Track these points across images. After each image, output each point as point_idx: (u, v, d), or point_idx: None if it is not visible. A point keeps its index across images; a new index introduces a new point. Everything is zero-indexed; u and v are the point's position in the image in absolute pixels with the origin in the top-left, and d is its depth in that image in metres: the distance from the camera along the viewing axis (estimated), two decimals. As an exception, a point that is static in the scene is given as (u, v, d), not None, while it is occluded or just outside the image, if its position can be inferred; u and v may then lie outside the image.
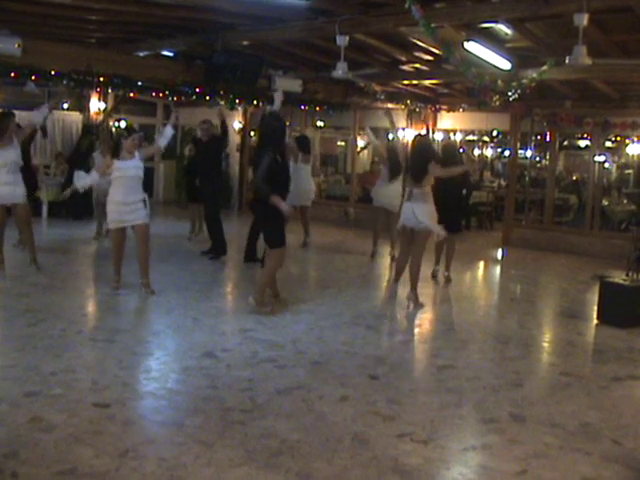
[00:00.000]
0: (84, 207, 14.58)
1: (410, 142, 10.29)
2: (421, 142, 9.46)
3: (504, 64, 11.63)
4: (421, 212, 8.98)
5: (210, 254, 11.71)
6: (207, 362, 6.35)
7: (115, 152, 8.83)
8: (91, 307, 8.37)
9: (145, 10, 11.04)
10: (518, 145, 16.57)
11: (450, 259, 10.94)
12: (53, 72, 13.07)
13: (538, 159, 20.70)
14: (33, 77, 13.05)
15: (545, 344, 8.14)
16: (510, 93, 12.31)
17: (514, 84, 12.08)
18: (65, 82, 13.57)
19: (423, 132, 16.66)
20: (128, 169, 8.71)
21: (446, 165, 9.60)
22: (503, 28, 10.65)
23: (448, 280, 10.86)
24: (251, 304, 8.29)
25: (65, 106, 18.03)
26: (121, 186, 8.72)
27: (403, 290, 9.55)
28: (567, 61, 9.10)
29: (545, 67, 11.37)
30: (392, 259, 12.35)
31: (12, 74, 12.71)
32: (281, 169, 8.20)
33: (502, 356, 7.22)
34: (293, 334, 7.42)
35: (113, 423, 4.89)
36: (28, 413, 4.97)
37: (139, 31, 13.64)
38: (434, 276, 10.93)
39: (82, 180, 8.89)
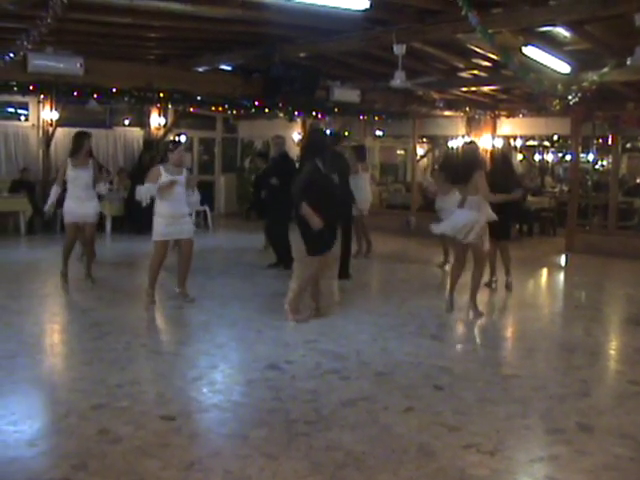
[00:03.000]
0: (146, 221, 14.71)
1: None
2: (467, 150, 9.34)
3: (563, 68, 11.50)
4: (470, 223, 8.82)
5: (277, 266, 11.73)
6: (271, 374, 6.37)
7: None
8: (155, 320, 8.47)
9: (203, 26, 11.19)
10: (579, 149, 16.32)
11: (508, 265, 10.74)
12: (114, 90, 13.35)
13: (600, 163, 20.38)
14: (95, 95, 13.35)
15: (612, 352, 8.00)
16: (570, 97, 12.14)
17: (574, 87, 11.91)
18: (126, 99, 13.85)
19: (470, 139, 16.50)
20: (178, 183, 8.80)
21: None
22: (562, 31, 10.54)
23: (509, 287, 10.68)
24: (286, 311, 8.38)
25: (126, 122, 18.36)
26: (170, 200, 8.78)
27: (464, 299, 9.42)
28: (628, 62, 8.97)
29: (606, 69, 11.21)
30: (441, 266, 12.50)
31: (75, 93, 13.01)
32: (323, 179, 8.26)
33: (568, 365, 7.10)
34: (357, 345, 7.40)
35: (179, 435, 4.93)
36: (96, 425, 5.05)
37: (197, 46, 13.83)
38: (489, 285, 10.73)
39: (141, 193, 8.91)
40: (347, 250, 11.18)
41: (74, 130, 15.10)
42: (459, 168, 8.97)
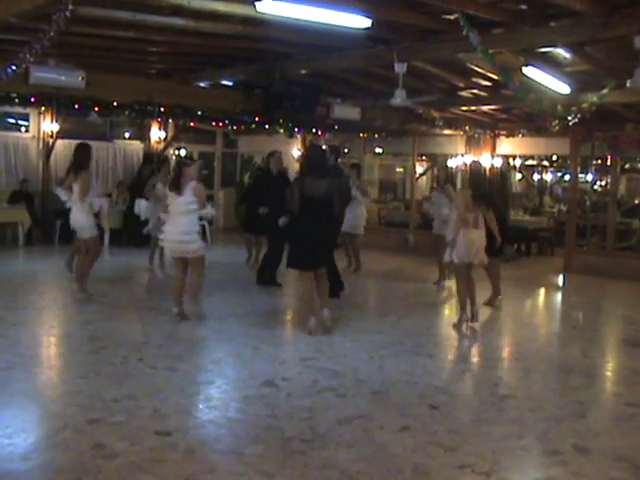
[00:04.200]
0: (144, 235, 14.73)
1: (469, 167, 10.27)
2: (483, 171, 9.52)
3: (563, 88, 11.54)
4: (482, 242, 9.11)
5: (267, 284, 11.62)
6: (267, 391, 6.36)
7: (176, 184, 8.87)
8: (152, 335, 8.45)
9: (205, 41, 11.23)
10: (578, 169, 16.33)
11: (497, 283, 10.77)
12: (115, 103, 13.39)
13: (599, 183, 20.41)
14: (96, 108, 13.38)
15: (609, 373, 7.98)
16: (570, 117, 12.18)
17: (574, 108, 11.95)
18: (127, 112, 13.90)
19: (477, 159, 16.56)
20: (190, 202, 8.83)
21: None
22: (562, 52, 10.59)
23: (490, 304, 10.65)
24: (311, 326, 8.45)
25: (126, 135, 18.40)
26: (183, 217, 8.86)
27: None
28: (628, 84, 9.01)
29: (605, 90, 11.25)
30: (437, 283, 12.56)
31: (76, 106, 13.04)
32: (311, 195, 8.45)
33: (565, 386, 7.10)
34: (353, 363, 7.40)
35: (174, 451, 4.92)
36: (91, 440, 5.04)
37: (199, 61, 13.89)
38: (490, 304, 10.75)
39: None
40: (333, 268, 11.10)
41: (74, 142, 15.18)
42: (488, 190, 9.20)
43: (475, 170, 9.65)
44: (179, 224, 8.80)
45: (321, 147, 9.86)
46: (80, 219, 9.90)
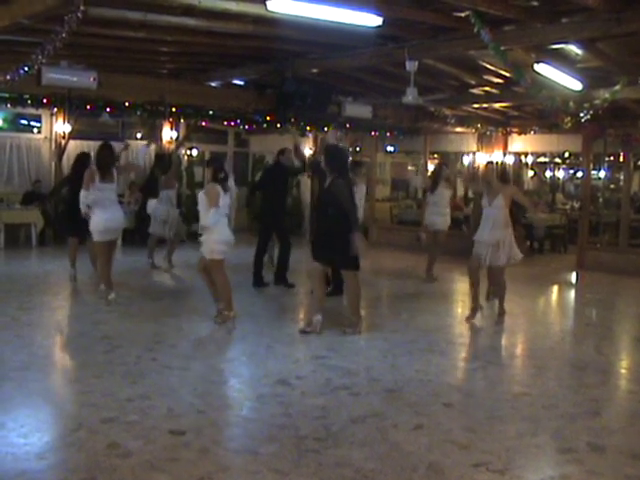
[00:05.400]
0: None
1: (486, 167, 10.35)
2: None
3: (575, 85, 11.49)
4: None
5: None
6: (281, 390, 6.36)
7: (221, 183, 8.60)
8: (165, 334, 8.45)
9: (216, 41, 11.24)
10: (591, 166, 16.27)
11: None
12: (127, 103, 13.42)
13: (612, 180, 20.33)
14: (108, 109, 13.42)
15: (623, 371, 7.95)
16: (582, 114, 12.13)
17: (586, 105, 11.90)
18: (138, 113, 13.94)
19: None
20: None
21: None
22: (573, 48, 10.54)
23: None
24: (349, 332, 8.47)
25: (138, 136, 18.43)
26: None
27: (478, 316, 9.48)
28: (640, 80, 8.97)
29: (618, 87, 11.19)
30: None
31: (88, 106, 13.08)
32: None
33: (579, 383, 7.07)
34: (367, 361, 7.40)
35: (188, 450, 4.92)
36: (105, 439, 5.05)
37: (210, 61, 13.89)
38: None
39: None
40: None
41: (86, 143, 15.23)
42: None
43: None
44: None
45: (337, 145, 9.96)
46: (121, 219, 9.89)
